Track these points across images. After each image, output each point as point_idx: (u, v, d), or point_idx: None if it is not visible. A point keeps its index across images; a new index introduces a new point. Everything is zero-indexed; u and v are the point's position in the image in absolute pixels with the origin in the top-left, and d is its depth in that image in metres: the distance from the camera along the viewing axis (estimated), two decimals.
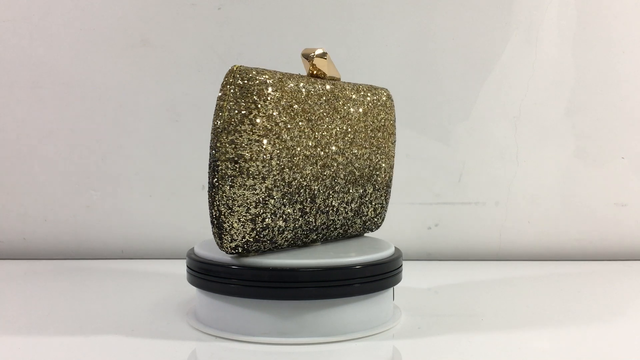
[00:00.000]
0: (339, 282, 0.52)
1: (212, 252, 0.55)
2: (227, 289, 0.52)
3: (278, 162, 0.51)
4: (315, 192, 0.55)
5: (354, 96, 0.58)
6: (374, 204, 0.61)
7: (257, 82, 0.50)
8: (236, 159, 0.49)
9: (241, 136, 0.49)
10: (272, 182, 0.51)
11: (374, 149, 0.60)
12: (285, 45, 0.81)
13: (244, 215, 0.50)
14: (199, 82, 0.82)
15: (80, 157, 0.83)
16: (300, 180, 0.53)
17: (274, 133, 0.51)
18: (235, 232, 0.50)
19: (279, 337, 0.52)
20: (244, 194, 0.50)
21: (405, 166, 0.83)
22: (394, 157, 0.63)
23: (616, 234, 0.84)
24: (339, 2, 0.82)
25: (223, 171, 0.49)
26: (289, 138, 0.52)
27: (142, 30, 0.82)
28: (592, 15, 0.82)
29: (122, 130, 0.83)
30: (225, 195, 0.49)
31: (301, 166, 0.53)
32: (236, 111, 0.49)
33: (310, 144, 0.54)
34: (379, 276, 0.54)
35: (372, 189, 0.60)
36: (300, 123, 0.53)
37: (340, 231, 0.59)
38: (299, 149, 0.53)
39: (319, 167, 0.55)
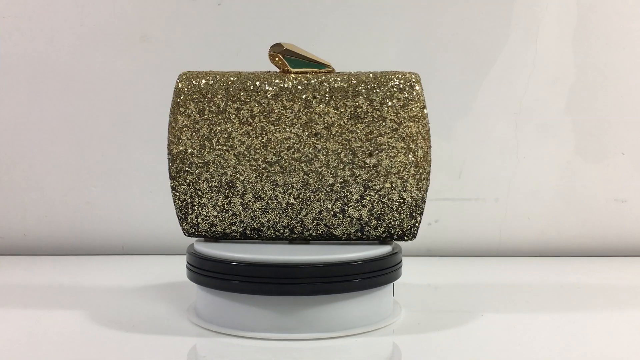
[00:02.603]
0: (338, 277, 0.52)
1: (212, 248, 0.55)
2: (226, 285, 0.53)
3: (200, 157, 0.56)
4: (259, 188, 0.56)
5: (337, 87, 0.55)
6: (369, 207, 0.55)
7: (183, 84, 0.57)
8: (168, 152, 0.56)
9: (171, 133, 0.56)
10: (197, 175, 0.56)
11: (359, 144, 0.55)
12: (286, 41, 0.81)
13: (177, 203, 0.57)
14: None
15: (80, 153, 0.83)
16: (235, 175, 0.55)
17: (194, 130, 0.56)
18: (179, 216, 0.57)
19: (279, 333, 0.52)
20: (175, 184, 0.57)
21: None
22: (406, 153, 0.55)
23: (616, 230, 0.84)
24: None
25: (167, 163, 0.57)
26: (212, 135, 0.56)
27: (142, 26, 0.82)
28: (593, 12, 0.82)
29: (122, 126, 0.83)
30: (170, 185, 0.57)
31: (233, 162, 0.55)
32: (170, 111, 0.57)
33: (245, 141, 0.55)
34: (378, 272, 0.54)
35: (362, 190, 0.55)
36: (232, 119, 0.55)
37: (319, 232, 0.56)
38: (230, 144, 0.55)
39: (260, 163, 0.55)
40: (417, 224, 0.56)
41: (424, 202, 0.56)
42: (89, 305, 0.61)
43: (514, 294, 0.66)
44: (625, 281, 0.72)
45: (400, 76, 0.56)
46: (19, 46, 0.82)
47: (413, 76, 0.56)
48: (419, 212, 0.56)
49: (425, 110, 0.56)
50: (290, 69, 0.56)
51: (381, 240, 0.57)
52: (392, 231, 0.56)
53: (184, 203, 0.57)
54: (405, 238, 0.57)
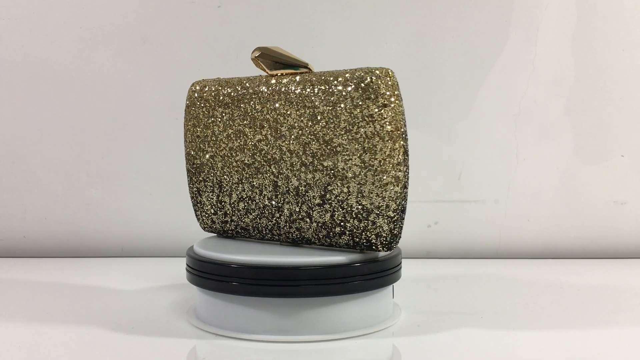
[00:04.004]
0: (338, 279, 0.52)
1: (212, 250, 0.55)
2: (226, 287, 0.53)
3: (198, 158, 0.60)
4: (241, 189, 0.57)
5: (299, 89, 0.53)
6: (331, 212, 0.52)
7: (190, 92, 0.60)
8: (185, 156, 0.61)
9: (184, 137, 0.61)
10: (197, 177, 0.60)
11: (317, 146, 0.52)
12: (285, 43, 0.81)
13: (192, 202, 0.61)
14: None
15: (80, 155, 0.83)
16: (223, 176, 0.58)
17: (193, 133, 0.60)
18: (194, 212, 0.62)
19: (279, 335, 0.52)
20: (188, 183, 0.61)
21: None
22: (362, 156, 0.49)
23: (615, 232, 0.84)
24: (339, 0, 0.82)
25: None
26: (205, 138, 0.59)
27: (142, 28, 0.82)
28: (592, 13, 0.82)
29: (122, 129, 0.83)
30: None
31: (220, 164, 0.58)
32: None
33: (227, 143, 0.57)
34: (378, 274, 0.54)
35: (322, 192, 0.52)
36: (218, 123, 0.58)
37: (293, 235, 0.55)
38: (217, 147, 0.58)
39: (240, 165, 0.57)
40: (384, 234, 0.50)
41: (390, 209, 0.49)
42: (89, 307, 0.61)
43: (514, 295, 0.66)
44: (625, 283, 0.72)
45: (357, 73, 0.49)
46: (19, 48, 0.82)
47: (376, 72, 0.49)
48: (386, 221, 0.50)
49: (386, 110, 0.48)
50: (268, 72, 0.56)
51: (359, 250, 0.53)
52: (357, 239, 0.51)
53: (193, 201, 0.62)
54: (374, 248, 0.51)
